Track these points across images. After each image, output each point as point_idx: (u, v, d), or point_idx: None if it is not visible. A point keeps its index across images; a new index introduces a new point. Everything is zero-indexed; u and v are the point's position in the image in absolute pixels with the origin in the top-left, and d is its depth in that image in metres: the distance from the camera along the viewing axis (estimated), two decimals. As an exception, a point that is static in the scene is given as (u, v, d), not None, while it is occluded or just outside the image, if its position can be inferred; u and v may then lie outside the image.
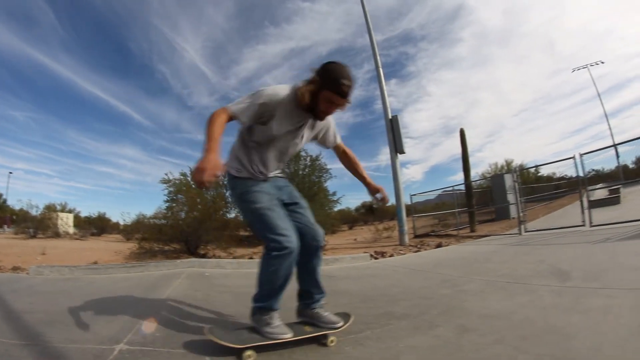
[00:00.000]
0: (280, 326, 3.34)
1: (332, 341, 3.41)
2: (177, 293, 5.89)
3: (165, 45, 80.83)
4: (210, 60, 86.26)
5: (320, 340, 3.46)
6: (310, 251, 3.54)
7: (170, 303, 5.24)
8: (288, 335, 3.28)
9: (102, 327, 4.04)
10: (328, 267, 9.02)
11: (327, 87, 3.13)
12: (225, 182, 3.05)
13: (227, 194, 3.32)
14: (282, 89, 3.28)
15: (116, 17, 71.38)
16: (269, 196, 3.38)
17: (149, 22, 74.11)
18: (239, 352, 3.06)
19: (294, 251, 3.20)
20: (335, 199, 30.73)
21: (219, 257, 13.19)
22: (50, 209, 36.74)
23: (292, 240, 3.19)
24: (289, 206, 3.58)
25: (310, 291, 3.68)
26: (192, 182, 2.98)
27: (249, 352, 3.06)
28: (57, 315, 4.57)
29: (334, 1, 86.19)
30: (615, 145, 13.25)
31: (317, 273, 3.66)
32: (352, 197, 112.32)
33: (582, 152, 12.89)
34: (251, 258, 12.47)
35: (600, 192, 21.54)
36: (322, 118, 3.41)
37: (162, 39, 79.30)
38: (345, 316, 3.73)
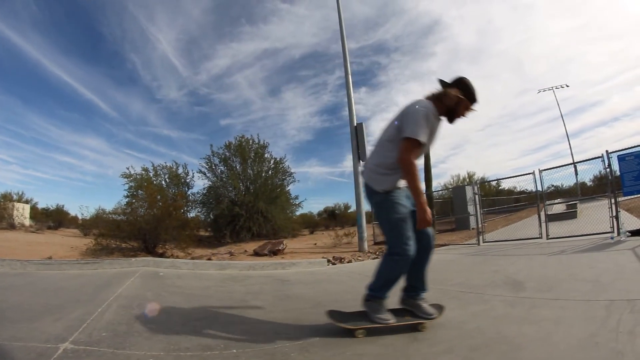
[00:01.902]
0: (387, 313, 3.91)
1: (423, 326, 3.88)
2: (128, 292, 5.79)
3: (139, 33, 79.25)
4: (182, 54, 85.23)
5: (415, 327, 3.88)
6: (423, 254, 4.01)
7: (120, 302, 5.13)
8: (392, 321, 3.86)
9: (49, 325, 3.96)
10: (284, 272, 9.05)
11: (468, 97, 3.90)
12: (367, 191, 3.41)
13: (367, 198, 3.54)
14: (429, 103, 3.82)
15: (92, -2, 69.58)
16: (404, 208, 3.84)
17: (125, 8, 72.38)
18: (352, 332, 3.72)
19: (411, 258, 3.77)
20: (297, 203, 30.84)
21: (177, 257, 13.00)
22: (6, 198, 35.48)
23: (412, 249, 3.75)
24: (413, 213, 3.88)
25: (416, 286, 4.11)
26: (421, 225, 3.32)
27: (360, 331, 3.73)
28: (4, 311, 4.47)
29: (312, 5, 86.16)
30: (574, 164, 13.56)
31: (425, 272, 4.12)
32: (314, 202, 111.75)
33: (541, 169, 13.17)
34: (209, 259, 12.31)
35: (558, 207, 22.01)
36: (454, 122, 4.01)
37: (136, 27, 77.74)
38: (439, 308, 4.14)
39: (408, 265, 3.82)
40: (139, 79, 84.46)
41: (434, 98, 3.87)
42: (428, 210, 3.62)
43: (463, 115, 3.98)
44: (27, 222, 32.71)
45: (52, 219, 36.96)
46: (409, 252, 3.71)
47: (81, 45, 77.47)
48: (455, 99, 3.83)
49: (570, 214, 18.31)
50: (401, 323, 3.88)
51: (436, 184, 37.63)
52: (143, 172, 27.59)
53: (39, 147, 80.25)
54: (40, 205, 42.54)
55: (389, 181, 3.82)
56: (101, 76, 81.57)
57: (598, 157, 11.41)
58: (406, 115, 3.71)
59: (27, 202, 38.83)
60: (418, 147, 3.60)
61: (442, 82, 3.97)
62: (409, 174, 3.61)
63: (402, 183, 3.92)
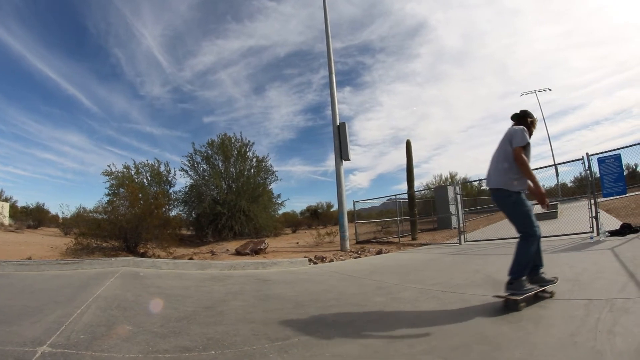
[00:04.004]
0: (529, 285, 4.78)
1: (552, 293, 4.89)
2: (107, 293, 5.74)
3: (124, 28, 77.43)
4: (167, 50, 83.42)
5: (543, 296, 4.85)
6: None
7: (99, 303, 5.09)
8: (536, 288, 4.82)
9: (27, 327, 3.92)
10: (265, 271, 9.05)
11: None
12: (501, 194, 4.58)
13: (498, 200, 4.32)
14: (523, 126, 5.30)
15: (77, -10, 67.86)
16: (528, 202, 5.08)
17: (110, 2, 70.80)
18: (517, 304, 4.41)
19: (539, 237, 4.99)
20: (279, 202, 30.70)
21: (159, 256, 12.91)
22: (-15, 196, 35.11)
23: (540, 230, 4.98)
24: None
25: (537, 264, 5.03)
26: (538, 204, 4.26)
27: (522, 304, 4.45)
28: (-20, 314, 4.41)
29: (299, 4, 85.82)
30: (555, 165, 13.68)
31: (541, 251, 5.09)
32: (297, 201, 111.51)
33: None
34: (191, 259, 12.24)
35: (539, 207, 22.12)
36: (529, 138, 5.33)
37: (121, 22, 75.99)
38: (556, 277, 5.16)
39: (538, 243, 4.98)
40: (122, 75, 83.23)
41: (525, 124, 5.33)
42: (542, 188, 5.12)
43: (532, 134, 5.47)
44: (7, 221, 32.19)
45: (32, 218, 36.34)
46: (539, 233, 4.94)
47: (64, 38, 76.23)
48: (533, 124, 5.53)
49: (550, 214, 18.41)
50: (539, 289, 4.83)
51: (418, 183, 37.82)
52: (124, 170, 27.22)
53: (18, 143, 78.68)
54: (20, 204, 41.69)
55: (522, 184, 5.07)
56: (84, 71, 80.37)
57: (578, 160, 11.53)
58: (512, 134, 5.14)
59: (6, 200, 38.20)
60: (524, 150, 5.00)
61: (516, 114, 5.55)
62: (524, 166, 4.94)
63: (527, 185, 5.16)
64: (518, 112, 5.62)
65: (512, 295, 4.58)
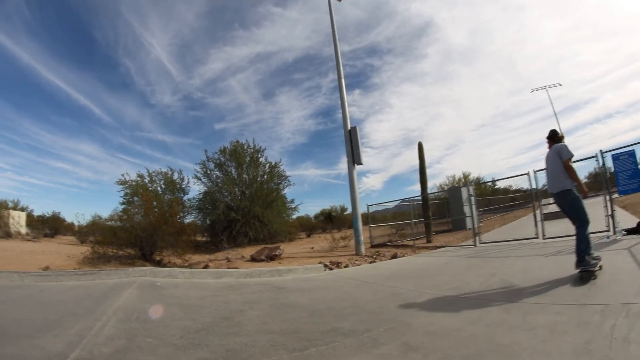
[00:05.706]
0: (592, 261, 5.96)
1: (601, 266, 6.12)
2: (126, 304, 5.80)
3: (132, 38, 77.83)
4: (176, 59, 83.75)
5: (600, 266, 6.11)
6: None
7: (118, 315, 5.13)
8: (596, 263, 6.02)
9: (49, 341, 3.97)
10: (281, 279, 9.08)
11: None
12: (563, 194, 6.96)
13: (559, 197, 5.23)
14: (562, 142, 7.12)
15: (85, 2, 68.23)
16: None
17: (119, 13, 70.92)
18: (593, 273, 5.82)
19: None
20: (293, 207, 30.65)
21: (175, 263, 12.95)
22: (2, 206, 34.96)
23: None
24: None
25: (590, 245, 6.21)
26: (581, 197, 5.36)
27: (596, 273, 5.85)
28: (4, 327, 4.48)
29: (305, 9, 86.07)
30: (569, 163, 13.52)
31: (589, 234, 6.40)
32: (311, 204, 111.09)
33: (535, 169, 13.07)
34: (206, 266, 12.26)
35: (554, 205, 21.92)
36: None
37: (130, 32, 76.41)
38: (599, 256, 6.28)
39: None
40: (132, 84, 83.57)
41: (559, 140, 7.13)
42: (584, 187, 6.72)
43: None
44: (24, 230, 32.17)
45: (48, 227, 36.34)
46: (590, 219, 6.42)
47: (74, 50, 76.68)
48: (562, 138, 7.26)
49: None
50: (599, 264, 6.03)
51: (432, 184, 37.71)
52: (138, 178, 27.28)
53: (33, 154, 79.20)
54: (36, 213, 41.54)
55: (572, 183, 6.61)
56: (95, 81, 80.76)
57: (592, 157, 11.38)
58: (559, 151, 6.80)
59: (22, 209, 38.21)
60: (571, 159, 6.70)
61: (549, 136, 7.26)
62: (573, 173, 6.62)
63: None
64: (549, 133, 7.33)
65: (587, 268, 5.84)
